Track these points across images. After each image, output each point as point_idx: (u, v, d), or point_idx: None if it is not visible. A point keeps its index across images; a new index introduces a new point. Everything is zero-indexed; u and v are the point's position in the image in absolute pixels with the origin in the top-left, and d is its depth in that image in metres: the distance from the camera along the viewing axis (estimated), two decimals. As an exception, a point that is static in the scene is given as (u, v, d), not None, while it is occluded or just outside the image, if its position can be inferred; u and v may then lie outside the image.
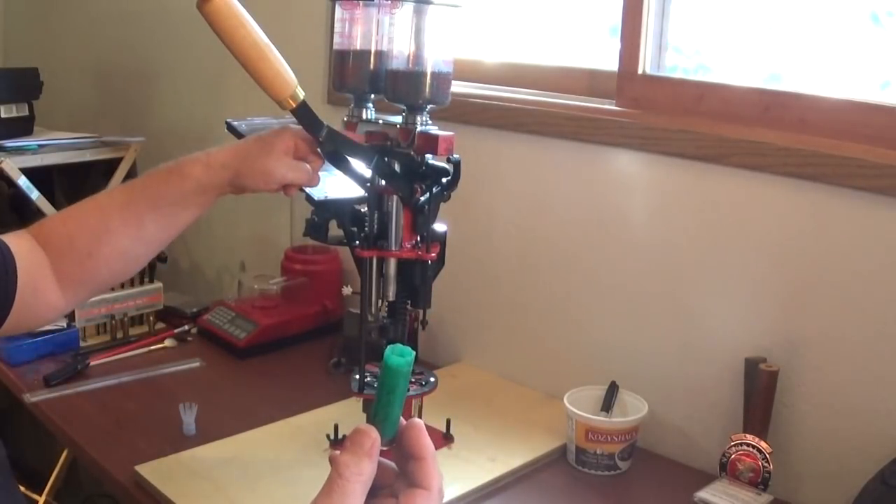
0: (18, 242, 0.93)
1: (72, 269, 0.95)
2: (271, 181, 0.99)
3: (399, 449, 0.62)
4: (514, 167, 1.45)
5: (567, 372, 1.37)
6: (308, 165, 1.01)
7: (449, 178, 1.10)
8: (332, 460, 0.60)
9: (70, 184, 2.18)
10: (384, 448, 0.61)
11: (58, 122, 2.20)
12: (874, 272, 1.08)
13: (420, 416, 1.23)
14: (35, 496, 1.93)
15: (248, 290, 1.69)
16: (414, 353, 0.63)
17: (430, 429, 1.24)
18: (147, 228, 0.97)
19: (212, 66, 2.03)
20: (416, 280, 1.12)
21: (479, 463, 1.19)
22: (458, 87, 1.32)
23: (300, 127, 0.99)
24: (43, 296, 0.94)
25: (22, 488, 1.90)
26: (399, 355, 0.62)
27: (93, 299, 1.57)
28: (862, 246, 1.09)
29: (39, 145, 1.93)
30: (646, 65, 1.34)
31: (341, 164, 1.09)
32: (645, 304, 1.31)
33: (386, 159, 1.09)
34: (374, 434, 0.60)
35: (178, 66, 2.17)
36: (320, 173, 1.07)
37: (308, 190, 1.29)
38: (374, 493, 0.60)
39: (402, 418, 0.63)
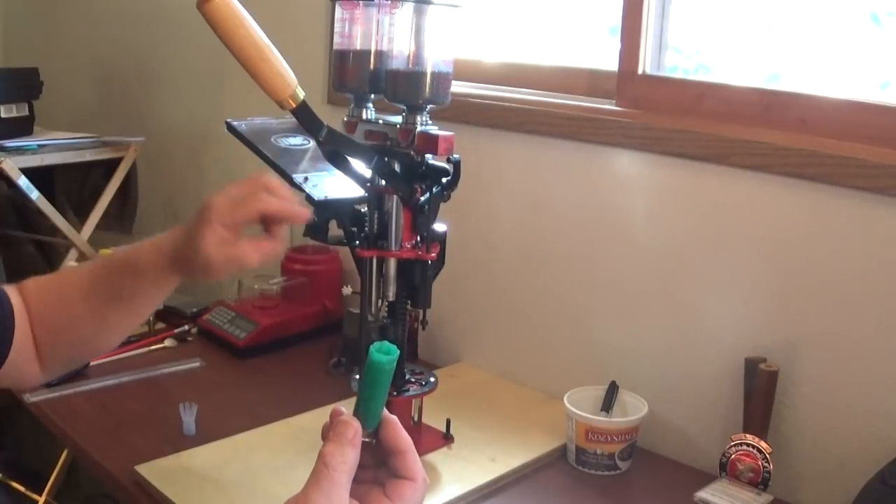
0: (15, 297, 0.92)
1: (46, 342, 0.93)
2: (218, 274, 0.87)
3: (379, 444, 0.65)
4: (514, 167, 1.45)
5: (567, 372, 1.37)
6: (255, 243, 0.87)
7: (449, 178, 1.10)
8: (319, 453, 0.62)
9: (70, 184, 2.19)
10: (365, 440, 0.64)
11: (58, 122, 2.20)
12: (874, 272, 1.08)
13: (420, 416, 1.23)
14: (35, 496, 1.93)
15: (248, 290, 1.69)
16: (399, 351, 0.65)
17: (430, 429, 1.25)
18: (109, 318, 0.94)
19: (212, 66, 2.03)
20: (416, 280, 1.12)
21: (479, 463, 1.19)
22: (458, 87, 1.32)
23: (227, 194, 0.87)
24: (30, 356, 0.92)
25: (22, 488, 1.91)
26: (384, 353, 0.64)
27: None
28: (862, 246, 1.09)
29: (39, 145, 1.93)
30: (646, 65, 1.34)
31: (341, 164, 1.09)
32: (645, 303, 1.31)
33: (386, 159, 1.09)
34: (355, 424, 0.63)
35: (178, 66, 2.17)
36: (320, 173, 1.06)
37: (308, 190, 1.29)
38: (355, 478, 0.63)
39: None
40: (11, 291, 0.92)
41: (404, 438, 0.65)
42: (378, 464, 0.67)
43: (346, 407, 0.66)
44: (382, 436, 0.65)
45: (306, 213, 0.92)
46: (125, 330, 0.98)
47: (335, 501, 0.60)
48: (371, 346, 0.64)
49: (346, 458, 0.61)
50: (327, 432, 0.64)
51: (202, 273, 0.86)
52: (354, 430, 0.63)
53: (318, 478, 0.61)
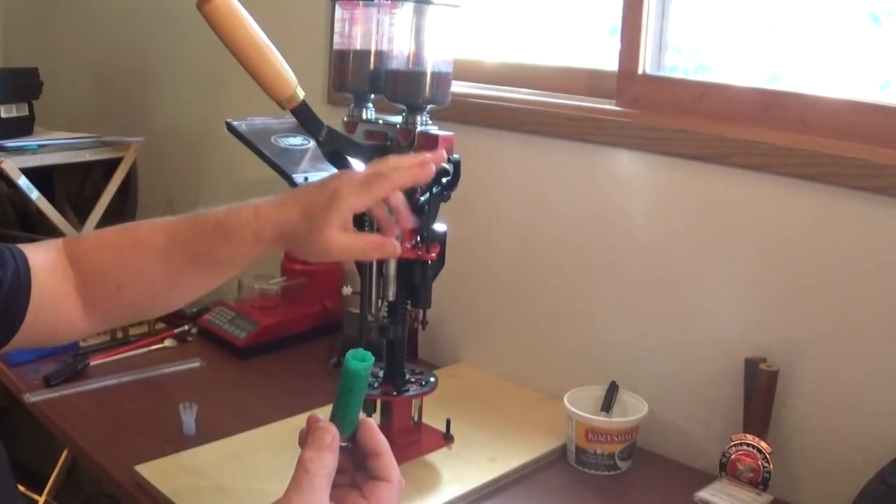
0: (41, 256, 0.88)
1: (99, 297, 0.89)
2: (331, 259, 0.87)
3: (356, 447, 0.68)
4: (514, 167, 1.45)
5: (567, 372, 1.37)
6: (376, 236, 0.87)
7: (449, 178, 1.10)
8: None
9: (70, 184, 2.19)
10: (343, 444, 0.66)
11: (58, 122, 2.20)
12: (874, 272, 1.08)
13: (420, 416, 1.23)
14: (35, 496, 1.93)
15: (248, 290, 1.69)
16: (373, 358, 0.68)
17: (430, 429, 1.25)
18: (185, 279, 0.90)
19: (212, 66, 2.03)
20: (416, 280, 1.12)
21: (479, 463, 1.19)
22: (458, 87, 1.32)
23: (354, 177, 0.85)
24: (62, 313, 0.89)
25: (22, 488, 1.91)
26: (359, 360, 0.67)
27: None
28: (862, 246, 1.09)
29: (39, 145, 1.93)
30: (646, 65, 1.34)
31: (341, 164, 1.09)
32: (645, 303, 1.31)
33: (386, 159, 1.09)
34: (333, 429, 0.66)
35: (178, 66, 2.17)
36: (320, 173, 1.06)
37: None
38: (333, 482, 0.65)
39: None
40: (40, 249, 0.88)
41: (380, 441, 0.68)
42: (355, 467, 0.69)
43: (324, 414, 0.67)
44: (359, 439, 0.68)
45: (430, 168, 0.87)
46: (201, 290, 0.92)
47: None
48: (347, 354, 0.66)
49: (325, 463, 0.64)
50: (305, 438, 0.66)
51: (315, 255, 0.84)
52: (332, 436, 0.65)
53: (299, 483, 0.63)
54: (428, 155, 0.88)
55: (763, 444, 1.12)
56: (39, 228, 2.13)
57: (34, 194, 1.86)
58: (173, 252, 0.88)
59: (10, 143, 1.89)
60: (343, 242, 0.82)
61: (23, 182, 1.83)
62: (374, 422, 0.69)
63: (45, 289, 0.87)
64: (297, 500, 0.62)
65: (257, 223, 0.86)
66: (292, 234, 0.85)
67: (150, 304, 0.94)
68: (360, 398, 0.67)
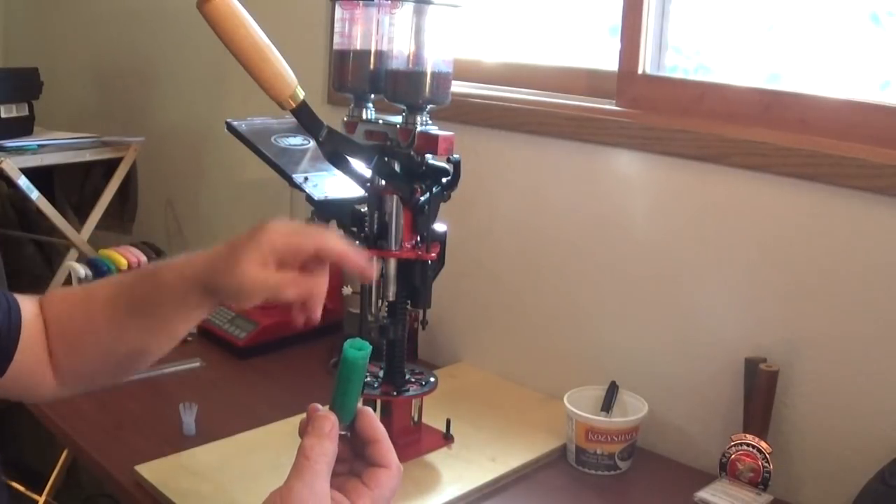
0: (28, 307, 0.87)
1: (60, 353, 0.87)
2: (246, 299, 0.80)
3: (355, 435, 0.69)
4: (514, 167, 1.45)
5: (567, 372, 1.37)
6: (296, 276, 0.81)
7: (449, 178, 1.10)
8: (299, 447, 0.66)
9: (70, 184, 2.19)
10: (342, 433, 0.67)
11: (58, 122, 2.20)
12: (874, 272, 1.08)
13: (420, 416, 1.23)
14: (35, 496, 1.93)
15: (248, 290, 1.68)
16: (371, 347, 0.68)
17: (430, 429, 1.25)
18: (128, 333, 0.86)
19: (212, 66, 2.03)
20: (416, 280, 1.12)
21: (479, 463, 1.19)
22: (458, 87, 1.32)
23: (287, 223, 0.81)
24: (39, 368, 0.87)
25: (22, 488, 1.91)
26: (357, 349, 0.67)
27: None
28: (862, 246, 1.09)
29: (39, 145, 1.93)
30: (646, 65, 1.34)
31: (341, 164, 1.09)
32: (645, 303, 1.31)
33: (386, 159, 1.09)
34: (332, 418, 0.67)
35: (178, 66, 2.17)
36: (320, 173, 1.06)
37: (308, 190, 1.29)
38: (333, 470, 0.66)
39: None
40: (29, 302, 0.88)
41: (378, 428, 0.69)
42: (354, 455, 0.70)
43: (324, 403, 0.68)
44: (358, 427, 0.69)
45: (372, 269, 0.85)
46: (147, 349, 0.87)
47: (318, 491, 0.63)
48: (345, 343, 0.67)
49: (326, 451, 0.65)
50: (305, 427, 0.67)
51: (232, 294, 0.80)
52: (332, 424, 0.66)
53: (301, 470, 0.64)
54: (370, 261, 0.86)
55: (763, 444, 1.12)
56: (39, 228, 2.13)
57: (34, 194, 1.86)
58: (115, 301, 0.86)
59: (10, 143, 1.89)
60: (258, 277, 0.78)
61: (23, 182, 1.83)
62: (371, 410, 0.70)
63: (30, 339, 0.86)
64: (299, 487, 0.63)
65: (184, 263, 0.84)
66: (213, 272, 0.81)
67: (101, 362, 0.90)
68: (359, 387, 0.68)
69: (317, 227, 0.81)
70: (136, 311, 0.85)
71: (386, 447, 0.69)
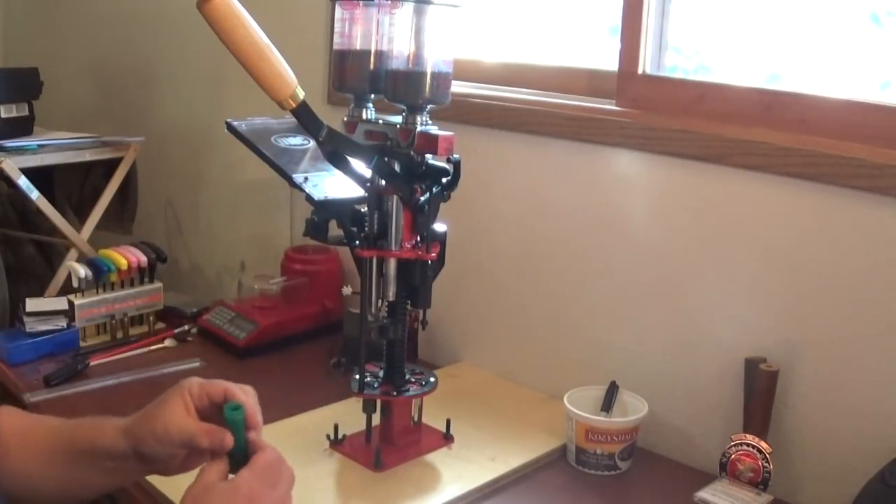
0: None
1: None
2: (169, 442, 0.85)
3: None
4: (514, 167, 1.45)
5: (567, 372, 1.37)
6: (212, 427, 0.85)
7: (449, 178, 1.10)
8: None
9: (70, 184, 2.19)
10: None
11: (58, 122, 2.20)
12: (874, 272, 1.08)
13: (420, 416, 1.23)
14: (35, 496, 1.92)
15: (248, 290, 1.69)
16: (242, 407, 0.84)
17: (430, 429, 1.25)
18: (55, 467, 0.89)
19: (212, 66, 2.03)
20: (416, 280, 1.12)
21: (479, 463, 1.19)
22: (458, 87, 1.32)
23: (204, 381, 0.89)
24: None
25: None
26: (232, 409, 0.83)
27: (92, 299, 1.57)
28: (862, 246, 1.09)
29: (39, 145, 1.93)
30: (646, 65, 1.34)
31: (341, 164, 1.09)
32: (645, 304, 1.31)
33: (386, 159, 1.09)
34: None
35: (178, 66, 2.17)
36: (320, 173, 1.06)
37: (308, 190, 1.29)
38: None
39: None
40: None
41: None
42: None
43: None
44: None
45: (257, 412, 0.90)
46: (65, 494, 0.91)
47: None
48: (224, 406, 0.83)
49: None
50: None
51: (160, 435, 0.84)
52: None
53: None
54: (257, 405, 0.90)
55: (763, 444, 1.12)
56: (39, 228, 2.13)
57: (34, 194, 1.85)
58: (51, 437, 0.90)
59: (10, 143, 1.89)
60: (182, 422, 0.85)
61: (23, 182, 1.83)
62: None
63: None
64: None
65: (121, 420, 0.89)
66: (144, 419, 0.87)
67: (23, 492, 0.91)
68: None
69: (224, 382, 0.89)
70: (71, 452, 0.89)
71: (256, 438, 0.84)
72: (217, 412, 0.85)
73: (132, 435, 0.87)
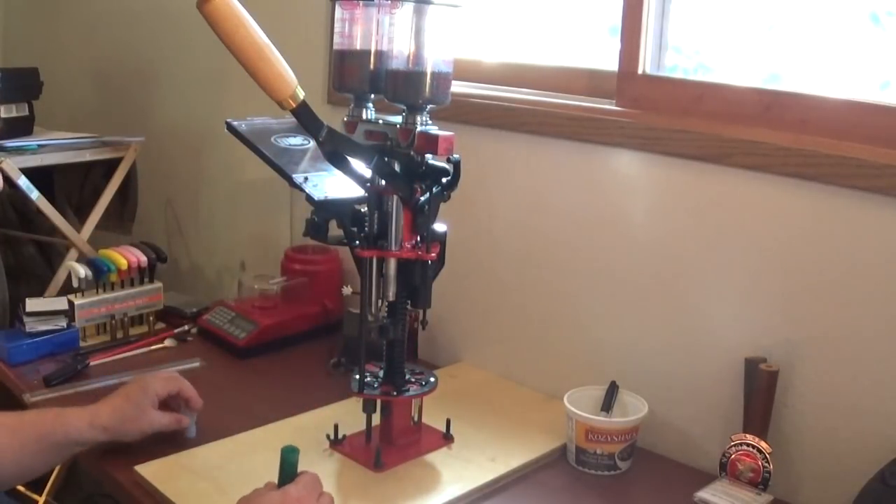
0: None
1: None
2: (140, 436, 1.16)
3: None
4: (514, 167, 1.45)
5: (567, 372, 1.37)
6: (174, 415, 1.20)
7: (449, 178, 1.10)
8: None
9: (70, 184, 2.19)
10: None
11: (58, 122, 2.20)
12: (874, 272, 1.08)
13: (420, 416, 1.23)
14: (35, 496, 1.93)
15: (248, 290, 1.69)
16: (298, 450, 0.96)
17: (430, 429, 1.25)
18: (25, 457, 1.08)
19: (212, 66, 2.03)
20: (416, 280, 1.12)
21: (479, 463, 1.19)
22: (458, 87, 1.32)
23: (160, 375, 1.21)
24: None
25: (22, 488, 1.91)
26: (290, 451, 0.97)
27: (92, 299, 1.57)
28: (862, 246, 1.09)
29: (39, 145, 1.93)
30: (646, 65, 1.34)
31: (341, 164, 1.09)
32: (645, 303, 1.31)
33: (386, 159, 1.09)
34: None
35: (178, 66, 2.17)
36: (320, 173, 1.07)
37: (308, 190, 1.29)
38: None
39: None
40: None
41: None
42: None
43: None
44: None
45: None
46: (18, 473, 1.11)
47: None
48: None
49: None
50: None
51: (139, 434, 1.15)
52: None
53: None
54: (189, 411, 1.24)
55: (763, 444, 1.12)
56: (39, 228, 2.13)
57: (34, 194, 1.85)
58: (19, 427, 1.08)
59: (10, 143, 1.89)
60: (156, 417, 1.17)
61: (23, 182, 1.83)
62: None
63: None
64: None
65: (92, 415, 1.12)
66: (122, 420, 1.14)
67: None
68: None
69: (176, 376, 1.23)
70: (41, 440, 1.08)
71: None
72: (168, 400, 1.20)
73: (114, 431, 1.12)
